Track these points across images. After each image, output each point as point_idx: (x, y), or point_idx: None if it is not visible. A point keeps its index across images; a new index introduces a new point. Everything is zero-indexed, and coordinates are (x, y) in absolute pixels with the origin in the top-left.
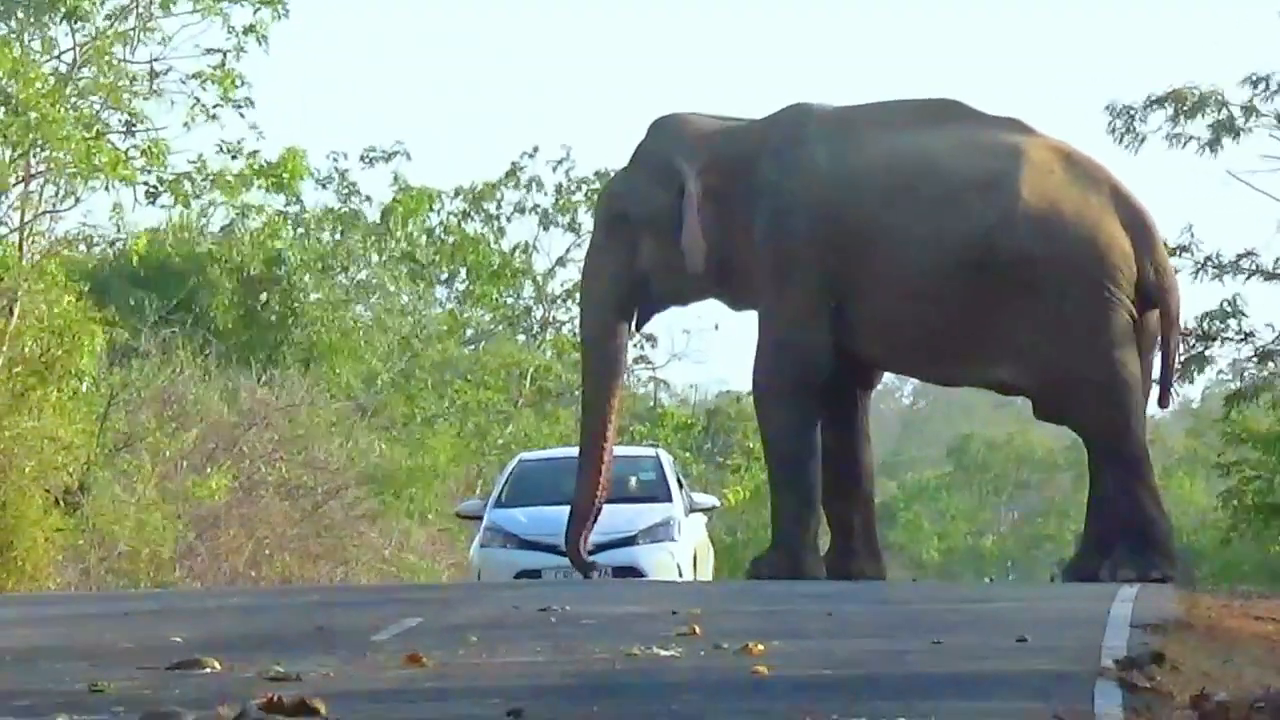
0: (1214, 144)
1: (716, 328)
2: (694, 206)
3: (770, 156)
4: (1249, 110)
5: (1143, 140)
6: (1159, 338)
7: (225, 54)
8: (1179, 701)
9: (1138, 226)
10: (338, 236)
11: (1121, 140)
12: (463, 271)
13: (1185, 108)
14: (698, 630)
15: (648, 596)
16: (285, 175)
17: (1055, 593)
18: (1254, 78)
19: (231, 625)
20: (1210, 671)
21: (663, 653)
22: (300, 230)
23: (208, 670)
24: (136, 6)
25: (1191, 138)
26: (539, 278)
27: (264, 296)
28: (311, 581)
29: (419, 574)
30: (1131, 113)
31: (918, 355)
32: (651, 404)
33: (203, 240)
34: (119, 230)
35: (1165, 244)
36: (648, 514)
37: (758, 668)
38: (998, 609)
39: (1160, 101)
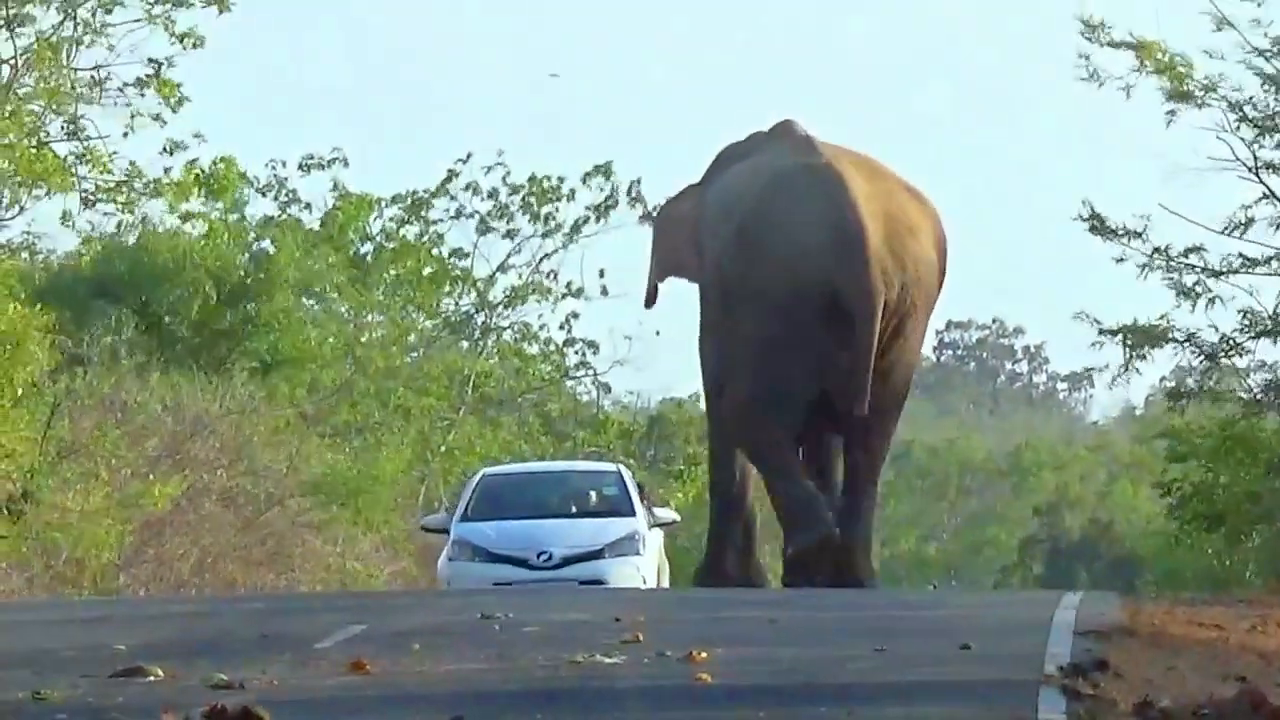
0: (1171, 114)
1: (658, 334)
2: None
3: None
4: (1210, 86)
5: (1102, 83)
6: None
7: (159, 64)
8: (1123, 708)
9: (844, 244)
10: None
11: (1084, 64)
12: (402, 277)
13: (1148, 65)
14: (641, 638)
15: (591, 604)
16: (215, 184)
17: (999, 600)
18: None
19: (175, 633)
20: (1154, 678)
21: (606, 660)
22: (250, 239)
23: (151, 678)
24: (70, 14)
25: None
26: (479, 283)
27: (238, 304)
28: (256, 589)
29: (363, 582)
30: (1100, 28)
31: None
32: (595, 410)
33: (173, 241)
34: (77, 236)
35: (875, 260)
36: (613, 528)
37: (701, 675)
38: (942, 616)
39: (1126, 46)
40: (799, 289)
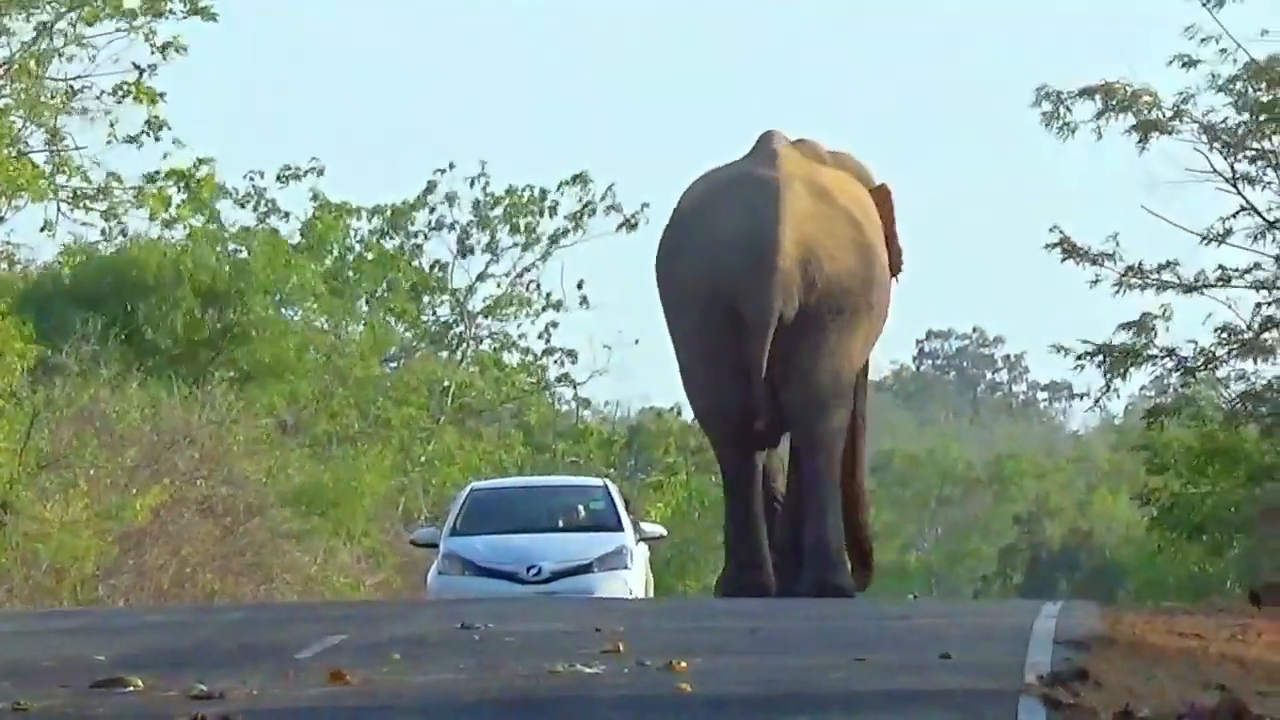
0: (1142, 142)
1: (637, 343)
2: None
3: None
4: (1179, 113)
5: (1074, 130)
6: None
7: (141, 71)
8: (1103, 717)
9: (751, 253)
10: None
11: (1050, 126)
12: (381, 288)
13: (1114, 103)
14: (621, 647)
15: (571, 614)
16: (193, 182)
17: (979, 609)
18: (1185, 60)
19: (155, 643)
20: (1134, 687)
21: (586, 670)
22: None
23: (131, 689)
24: (50, 27)
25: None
26: (459, 294)
27: (217, 313)
28: (236, 599)
29: (345, 593)
30: (1061, 98)
31: None
32: (574, 421)
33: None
34: (61, 247)
35: (780, 278)
36: (601, 542)
37: (681, 685)
38: (921, 625)
39: (1090, 93)
40: (708, 301)
